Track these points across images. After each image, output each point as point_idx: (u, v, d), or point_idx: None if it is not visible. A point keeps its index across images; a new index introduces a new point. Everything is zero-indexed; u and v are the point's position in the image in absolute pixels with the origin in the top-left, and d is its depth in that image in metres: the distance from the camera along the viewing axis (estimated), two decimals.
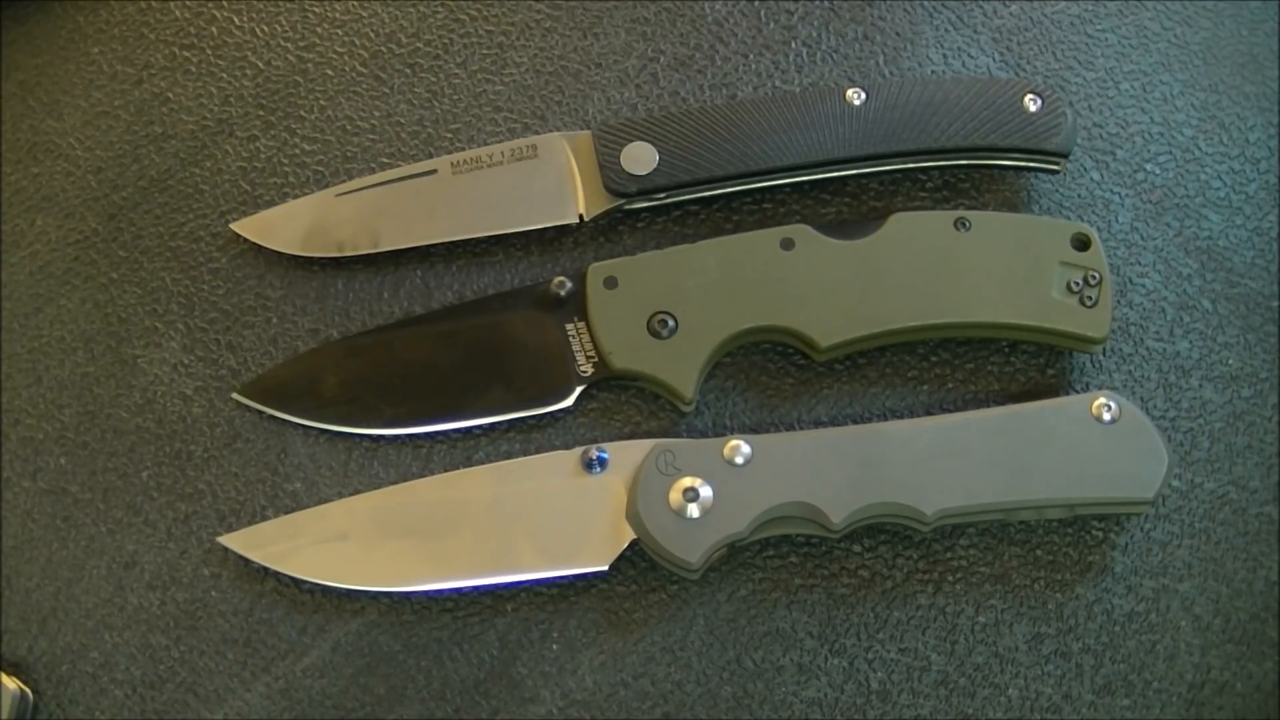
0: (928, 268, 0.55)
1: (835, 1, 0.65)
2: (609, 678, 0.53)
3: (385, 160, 0.62)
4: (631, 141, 0.58)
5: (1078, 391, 0.56)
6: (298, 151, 0.62)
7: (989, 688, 0.52)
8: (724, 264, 0.56)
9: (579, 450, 0.54)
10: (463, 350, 0.57)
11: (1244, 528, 0.55)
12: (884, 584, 0.54)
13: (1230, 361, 0.58)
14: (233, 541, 0.54)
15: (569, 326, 0.56)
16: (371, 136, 0.63)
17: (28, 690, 0.52)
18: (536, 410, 0.56)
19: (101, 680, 0.53)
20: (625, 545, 0.52)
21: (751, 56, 0.64)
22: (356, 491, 0.55)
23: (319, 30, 0.65)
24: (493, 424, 0.56)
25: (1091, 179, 0.61)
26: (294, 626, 0.54)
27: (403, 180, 0.60)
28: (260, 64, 0.64)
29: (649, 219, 0.60)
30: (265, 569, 0.54)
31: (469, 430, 0.56)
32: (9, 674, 0.53)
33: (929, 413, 0.56)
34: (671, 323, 0.55)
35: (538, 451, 0.55)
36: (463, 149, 0.62)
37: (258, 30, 0.65)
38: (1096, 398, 0.53)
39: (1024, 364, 0.57)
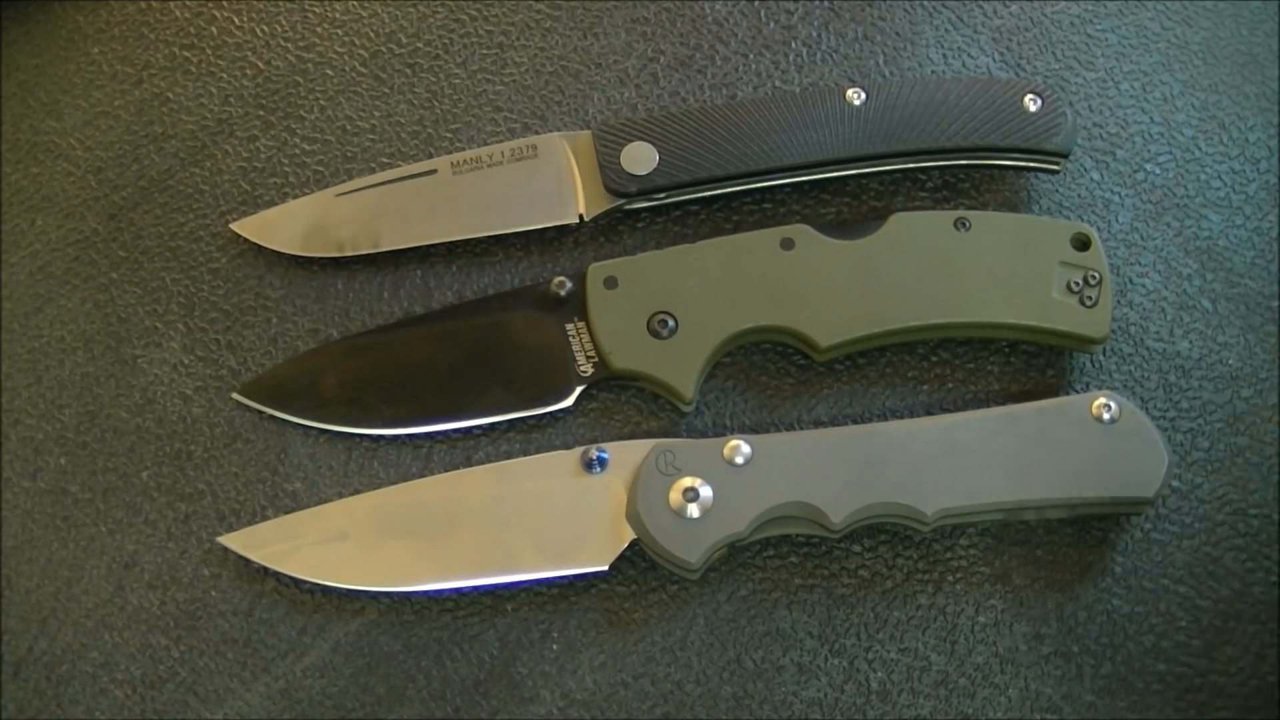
0: (928, 268, 0.55)
1: (835, 1, 0.65)
2: (609, 678, 0.53)
3: (385, 160, 0.62)
4: (631, 141, 0.58)
5: (1078, 391, 0.56)
6: (298, 151, 0.62)
7: (989, 688, 0.52)
8: (724, 264, 0.56)
9: (579, 450, 0.54)
10: (463, 350, 0.57)
11: (1244, 528, 0.55)
12: (884, 584, 0.54)
13: (1230, 361, 0.57)
14: (233, 541, 0.54)
15: (569, 326, 0.56)
16: (371, 136, 0.63)
17: None
18: (536, 410, 0.56)
19: (101, 680, 0.53)
20: (625, 545, 0.52)
21: (751, 56, 0.64)
22: (356, 491, 0.55)
23: (319, 30, 0.65)
24: (493, 424, 0.56)
25: (1091, 179, 0.61)
26: (294, 626, 0.54)
27: (403, 180, 0.60)
28: (260, 64, 0.64)
29: (649, 219, 0.60)
30: (265, 569, 0.54)
31: (469, 430, 0.56)
32: (9, 674, 0.53)
33: (929, 413, 0.56)
34: (671, 323, 0.55)
35: (538, 451, 0.55)
36: (463, 149, 0.62)
37: (258, 30, 0.65)
38: (1096, 398, 0.53)
39: (1024, 364, 0.57)
